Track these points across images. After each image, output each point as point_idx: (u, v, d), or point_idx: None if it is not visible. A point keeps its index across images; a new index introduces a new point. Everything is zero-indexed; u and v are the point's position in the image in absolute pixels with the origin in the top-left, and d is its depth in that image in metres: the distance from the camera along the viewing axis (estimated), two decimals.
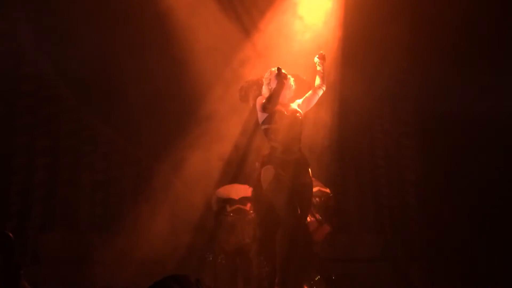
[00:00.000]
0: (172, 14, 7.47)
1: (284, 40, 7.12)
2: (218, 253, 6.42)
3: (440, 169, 7.97)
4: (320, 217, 6.09)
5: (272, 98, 5.13)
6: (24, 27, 7.59)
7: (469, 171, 7.85)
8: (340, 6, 7.45)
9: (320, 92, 5.40)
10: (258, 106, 5.21)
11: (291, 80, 5.34)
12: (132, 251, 7.16)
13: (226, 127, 7.17)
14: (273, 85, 5.19)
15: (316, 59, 5.41)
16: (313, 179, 5.68)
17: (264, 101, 5.15)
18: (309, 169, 5.29)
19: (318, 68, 5.40)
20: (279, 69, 5.19)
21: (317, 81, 5.40)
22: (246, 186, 6.39)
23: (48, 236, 7.43)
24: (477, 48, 7.78)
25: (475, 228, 7.73)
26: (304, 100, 5.37)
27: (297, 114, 5.25)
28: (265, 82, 5.31)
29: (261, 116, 5.21)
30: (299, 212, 5.03)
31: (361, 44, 7.62)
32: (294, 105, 5.33)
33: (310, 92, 5.39)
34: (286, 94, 5.30)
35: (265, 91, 5.29)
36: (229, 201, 6.40)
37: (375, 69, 7.92)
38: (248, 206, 6.27)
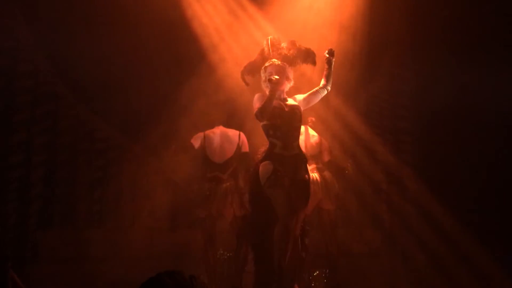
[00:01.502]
0: (170, 10, 7.47)
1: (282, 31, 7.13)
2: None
3: (439, 164, 7.96)
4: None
5: (264, 110, 5.07)
6: (22, 24, 7.57)
7: (467, 166, 7.85)
8: (338, 1, 7.45)
9: (324, 92, 5.31)
10: (254, 107, 5.18)
11: (287, 70, 5.26)
12: (130, 247, 7.15)
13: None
14: (268, 84, 5.13)
15: (325, 54, 5.35)
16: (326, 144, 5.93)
17: (256, 111, 5.12)
18: (307, 165, 5.28)
19: (326, 65, 5.33)
20: (270, 80, 5.09)
21: (322, 80, 5.32)
22: (236, 134, 6.35)
23: (46, 233, 7.40)
24: (476, 43, 7.77)
25: (474, 225, 7.72)
26: (306, 98, 5.31)
27: (297, 111, 5.21)
28: (262, 77, 5.27)
29: None
30: (296, 207, 5.02)
31: (360, 40, 7.60)
32: (294, 101, 5.29)
33: (313, 90, 5.33)
34: (284, 88, 5.27)
35: (263, 86, 5.27)
36: (210, 165, 6.28)
37: (373, 64, 7.91)
38: (227, 174, 6.23)
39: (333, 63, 5.33)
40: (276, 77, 5.10)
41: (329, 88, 5.33)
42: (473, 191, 7.72)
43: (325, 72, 5.33)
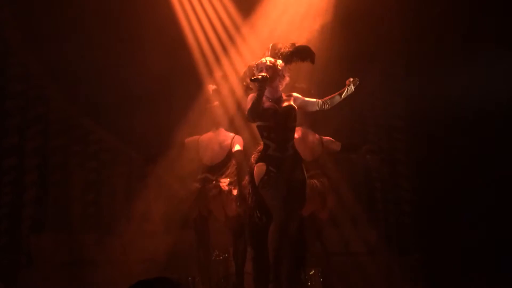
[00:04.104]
0: (164, 8, 7.47)
1: (270, 33, 7.14)
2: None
3: (433, 162, 7.96)
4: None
5: (252, 112, 5.02)
6: (12, 27, 7.53)
7: (462, 164, 7.84)
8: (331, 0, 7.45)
9: (322, 107, 5.28)
10: (246, 108, 5.14)
11: (279, 65, 5.19)
12: (124, 250, 7.12)
13: None
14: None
15: (349, 80, 5.34)
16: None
17: (246, 113, 5.09)
18: (303, 165, 5.25)
19: (344, 88, 5.32)
20: (255, 79, 5.00)
21: (329, 96, 5.32)
22: (229, 137, 6.34)
23: (40, 237, 7.35)
24: (470, 42, 7.78)
25: (469, 222, 7.72)
26: (303, 101, 5.23)
27: (291, 111, 5.16)
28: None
29: None
30: (291, 208, 5.00)
31: (353, 38, 7.60)
32: (290, 99, 5.21)
33: (314, 99, 5.29)
34: (278, 86, 5.20)
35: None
36: (201, 167, 6.38)
37: (367, 63, 7.89)
38: (216, 176, 6.26)
39: (350, 91, 5.33)
40: (263, 74, 5.04)
41: (326, 107, 5.31)
42: (468, 189, 7.71)
43: (338, 92, 5.33)
